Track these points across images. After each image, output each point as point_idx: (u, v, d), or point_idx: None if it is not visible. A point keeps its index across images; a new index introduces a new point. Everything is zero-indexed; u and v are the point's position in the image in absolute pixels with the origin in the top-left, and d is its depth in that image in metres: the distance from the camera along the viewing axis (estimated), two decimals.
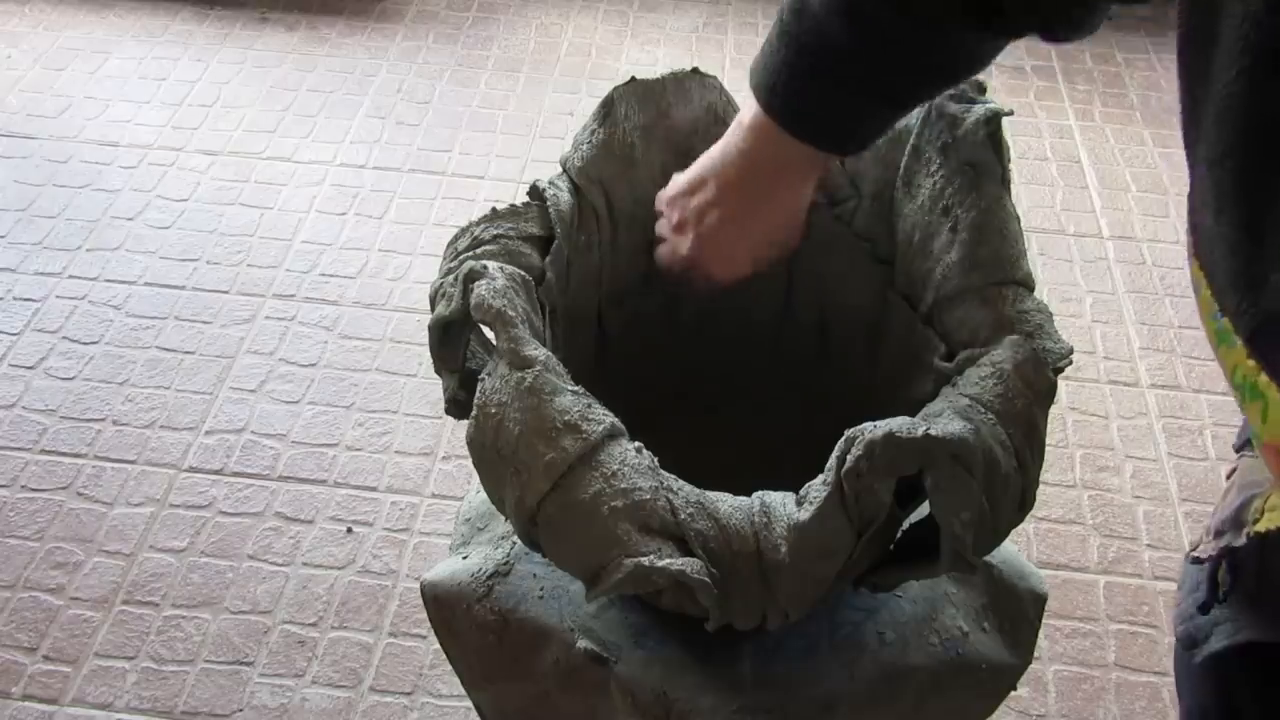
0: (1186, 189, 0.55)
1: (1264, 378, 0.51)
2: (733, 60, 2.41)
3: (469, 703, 1.01)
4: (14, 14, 2.45)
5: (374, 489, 1.54)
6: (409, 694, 1.32)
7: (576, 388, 0.70)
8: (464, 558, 0.87)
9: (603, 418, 0.68)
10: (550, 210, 0.82)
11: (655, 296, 0.95)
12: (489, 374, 0.71)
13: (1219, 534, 0.70)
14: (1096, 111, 2.29)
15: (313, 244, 1.92)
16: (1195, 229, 0.54)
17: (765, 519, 0.67)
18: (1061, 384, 1.84)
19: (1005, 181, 0.80)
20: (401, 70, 2.34)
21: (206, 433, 1.61)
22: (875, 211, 0.89)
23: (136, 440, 1.59)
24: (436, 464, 1.58)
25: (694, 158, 0.84)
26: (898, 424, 0.66)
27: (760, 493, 0.70)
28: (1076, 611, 1.43)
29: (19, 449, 1.58)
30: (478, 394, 0.71)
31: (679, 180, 0.85)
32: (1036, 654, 1.35)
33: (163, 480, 1.54)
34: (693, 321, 0.97)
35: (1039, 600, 0.87)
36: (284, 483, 1.55)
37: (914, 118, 0.85)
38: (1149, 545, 1.51)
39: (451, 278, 0.76)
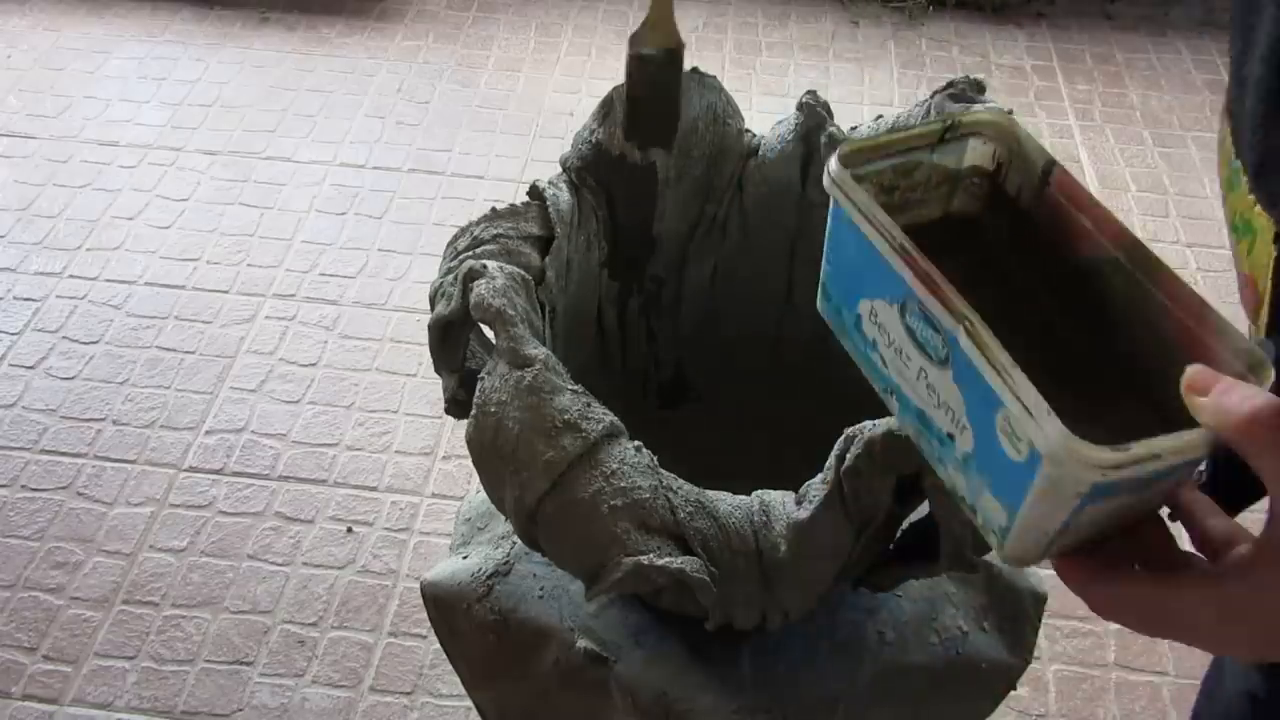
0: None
1: (1258, 209, 0.52)
2: (732, 60, 2.41)
3: (469, 703, 1.01)
4: (14, 14, 2.45)
5: (374, 489, 1.54)
6: (409, 694, 1.32)
7: (576, 387, 0.70)
8: (464, 558, 0.87)
9: (602, 416, 0.68)
10: (550, 210, 0.82)
11: (655, 296, 0.95)
12: (489, 373, 0.71)
13: None
14: (1096, 111, 2.29)
15: (313, 244, 1.92)
16: (1238, 80, 0.56)
17: (765, 518, 0.67)
18: None
19: None
20: (401, 70, 2.34)
21: (206, 433, 1.61)
22: None
23: (136, 440, 1.59)
24: (436, 464, 1.58)
25: (693, 157, 0.84)
26: (898, 422, 0.66)
27: (760, 492, 0.70)
28: (1076, 611, 1.43)
29: (19, 449, 1.58)
30: (477, 393, 0.70)
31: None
32: (1036, 654, 1.34)
33: (163, 480, 1.54)
34: (693, 321, 0.97)
35: (1039, 600, 0.87)
36: (284, 483, 1.55)
37: (913, 117, 0.85)
38: None
39: (451, 277, 0.75)
